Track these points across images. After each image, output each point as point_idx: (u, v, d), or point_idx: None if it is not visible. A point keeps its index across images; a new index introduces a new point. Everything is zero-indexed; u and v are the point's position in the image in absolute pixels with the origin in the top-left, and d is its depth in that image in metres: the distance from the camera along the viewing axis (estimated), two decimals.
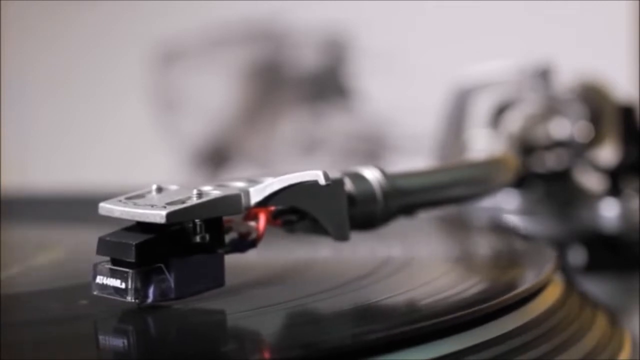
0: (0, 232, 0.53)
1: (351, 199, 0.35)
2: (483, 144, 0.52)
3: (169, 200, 0.32)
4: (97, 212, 0.33)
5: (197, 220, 0.32)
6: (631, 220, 0.52)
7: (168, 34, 0.87)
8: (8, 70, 0.91)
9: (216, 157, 0.86)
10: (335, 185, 0.34)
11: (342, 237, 0.35)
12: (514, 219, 0.53)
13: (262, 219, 0.34)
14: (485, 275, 0.39)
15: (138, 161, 0.87)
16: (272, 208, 0.34)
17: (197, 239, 0.32)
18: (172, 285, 0.32)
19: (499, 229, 0.50)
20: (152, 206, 0.32)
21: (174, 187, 0.34)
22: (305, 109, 0.83)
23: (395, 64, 0.79)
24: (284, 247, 0.40)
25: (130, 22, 0.88)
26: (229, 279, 0.33)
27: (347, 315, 0.33)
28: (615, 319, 0.39)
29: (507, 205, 0.53)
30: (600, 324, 0.37)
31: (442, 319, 0.31)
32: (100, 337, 0.31)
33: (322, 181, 0.33)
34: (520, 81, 0.55)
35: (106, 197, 0.33)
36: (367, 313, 0.33)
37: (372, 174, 0.36)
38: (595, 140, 0.53)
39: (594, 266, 0.51)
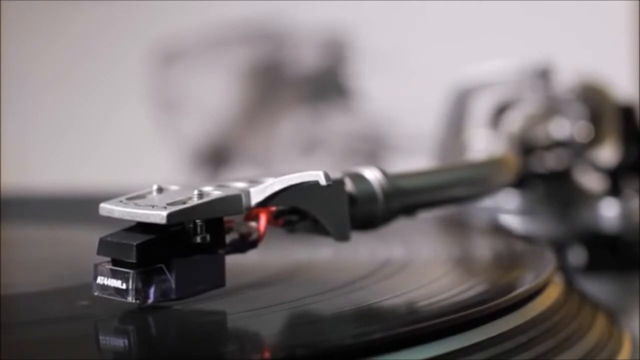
0: (0, 232, 0.53)
1: (352, 199, 0.36)
2: (483, 144, 0.52)
3: (169, 201, 0.32)
4: (97, 212, 0.33)
5: (197, 221, 0.32)
6: (631, 220, 0.52)
7: (168, 34, 0.87)
8: (8, 70, 0.91)
9: (216, 157, 0.86)
10: (335, 185, 0.34)
11: (342, 237, 0.35)
12: (513, 219, 0.53)
13: (263, 219, 0.34)
14: (485, 276, 0.39)
15: (138, 161, 0.87)
16: (273, 208, 0.34)
17: (198, 239, 0.32)
18: (173, 285, 0.32)
19: (499, 229, 0.50)
20: (153, 207, 0.32)
21: (174, 188, 0.34)
22: (305, 109, 0.83)
23: (395, 64, 0.79)
24: (285, 247, 0.40)
25: (130, 22, 0.88)
26: (230, 279, 0.33)
27: (348, 316, 0.33)
28: (615, 319, 0.39)
29: (507, 205, 0.53)
30: (600, 324, 0.37)
31: (441, 319, 0.31)
32: (101, 338, 0.31)
33: (322, 181, 0.33)
34: (520, 81, 0.55)
35: (106, 197, 0.33)
36: (367, 313, 0.33)
37: (372, 174, 0.36)
38: (595, 140, 0.53)
39: (594, 266, 0.51)
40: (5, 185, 0.81)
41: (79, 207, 0.51)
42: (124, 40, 0.89)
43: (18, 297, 0.37)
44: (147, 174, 0.82)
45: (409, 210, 0.38)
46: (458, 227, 0.51)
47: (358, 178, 0.36)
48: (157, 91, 0.88)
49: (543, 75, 0.55)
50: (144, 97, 0.88)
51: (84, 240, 0.38)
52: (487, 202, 0.50)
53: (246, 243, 0.34)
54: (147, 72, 0.88)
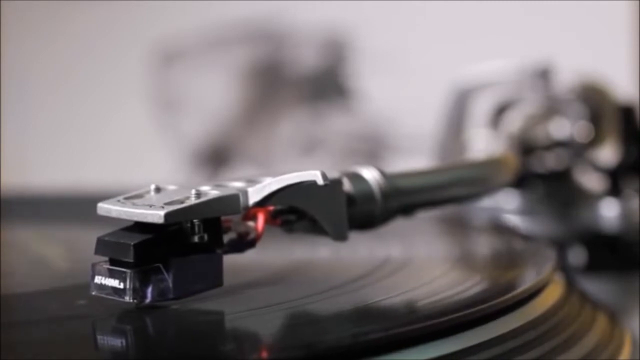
0: (0, 232, 0.53)
1: (350, 199, 0.35)
2: (483, 144, 0.52)
3: (167, 200, 0.32)
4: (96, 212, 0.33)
5: (195, 220, 0.32)
6: (631, 220, 0.51)
7: (168, 34, 0.87)
8: (8, 70, 0.91)
9: (216, 157, 0.86)
10: (333, 185, 0.34)
11: (340, 237, 0.35)
12: (514, 219, 0.53)
13: (261, 218, 0.34)
14: (485, 275, 0.39)
15: (138, 161, 0.87)
16: (271, 208, 0.34)
17: (196, 239, 0.32)
18: (171, 285, 0.32)
19: (499, 229, 0.50)
20: (151, 206, 0.32)
21: (172, 187, 0.34)
22: (305, 109, 0.83)
23: (395, 64, 0.79)
24: (283, 247, 0.40)
25: (130, 22, 0.88)
26: (228, 279, 0.33)
27: (347, 316, 0.32)
28: (615, 319, 0.39)
29: (507, 205, 0.53)
30: (601, 324, 0.37)
31: (441, 319, 0.31)
32: (99, 337, 0.31)
33: (320, 181, 0.33)
34: (520, 81, 0.55)
35: (106, 197, 0.33)
36: (367, 313, 0.33)
37: (370, 174, 0.36)
38: (595, 140, 0.53)
39: (594, 266, 0.51)
40: (5, 185, 0.81)
41: (79, 207, 0.51)
42: (124, 40, 0.89)
43: (17, 297, 0.37)
44: (147, 174, 0.82)
45: (408, 210, 0.38)
46: (458, 227, 0.51)
47: (356, 178, 0.36)
48: (157, 91, 0.88)
49: (543, 75, 0.55)
50: (144, 97, 0.88)
51: (84, 240, 0.38)
52: (487, 202, 0.50)
53: (244, 243, 0.34)
54: (147, 72, 0.88)
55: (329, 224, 0.35)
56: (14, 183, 0.82)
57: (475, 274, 0.39)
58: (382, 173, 0.37)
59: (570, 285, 0.39)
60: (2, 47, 0.91)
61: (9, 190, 0.68)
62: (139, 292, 0.31)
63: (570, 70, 0.55)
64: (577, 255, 0.51)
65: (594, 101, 0.54)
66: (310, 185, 0.33)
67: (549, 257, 0.39)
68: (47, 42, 0.91)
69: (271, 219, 0.34)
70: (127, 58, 0.89)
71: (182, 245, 0.32)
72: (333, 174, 0.34)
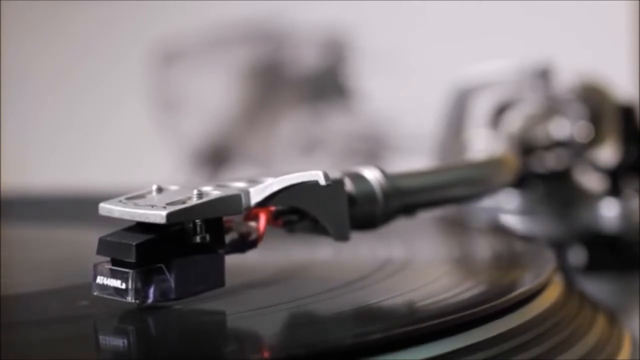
0: (0, 232, 0.53)
1: (351, 199, 0.36)
2: (483, 144, 0.52)
3: (169, 201, 0.32)
4: (97, 212, 0.33)
5: (197, 221, 0.32)
6: (631, 220, 0.52)
7: (168, 34, 0.87)
8: (8, 70, 0.91)
9: (216, 157, 0.86)
10: (335, 185, 0.34)
11: (342, 237, 0.35)
12: (513, 219, 0.53)
13: (263, 219, 0.34)
14: (485, 276, 0.39)
15: (138, 161, 0.87)
16: (273, 208, 0.34)
17: (198, 239, 0.32)
18: (173, 285, 0.32)
19: (499, 229, 0.50)
20: (153, 206, 0.32)
21: (174, 188, 0.34)
22: (305, 109, 0.83)
23: (395, 64, 0.79)
24: (285, 247, 0.40)
25: (130, 22, 0.88)
26: (229, 279, 0.33)
27: (347, 316, 0.33)
28: (615, 319, 0.39)
29: (507, 205, 0.53)
30: (600, 324, 0.37)
31: (441, 320, 0.31)
32: (101, 338, 0.31)
33: (322, 181, 0.33)
34: (520, 81, 0.55)
35: (106, 197, 0.33)
36: (367, 314, 0.33)
37: (372, 174, 0.36)
38: (595, 140, 0.53)
39: (594, 266, 0.51)
40: (5, 185, 0.82)
41: (79, 207, 0.51)
42: (124, 40, 0.89)
43: (18, 297, 0.37)
44: (147, 174, 0.82)
45: (409, 210, 0.38)
46: (458, 227, 0.51)
47: (358, 178, 0.36)
48: (157, 91, 0.88)
49: (543, 75, 0.55)
50: (144, 97, 0.88)
51: (84, 240, 0.38)
52: (487, 202, 0.50)
53: (246, 243, 0.34)
54: (147, 72, 0.88)
55: (331, 224, 0.35)
56: (14, 183, 0.82)
57: (476, 275, 0.39)
58: (384, 173, 0.37)
59: (570, 286, 0.40)
60: (2, 47, 0.91)
61: (9, 190, 0.68)
62: (140, 293, 0.31)
63: (570, 70, 0.55)
64: (577, 255, 0.51)
65: (594, 101, 0.54)
66: (312, 185, 0.33)
67: (549, 258, 0.39)
68: (47, 42, 0.91)
69: (273, 219, 0.34)
70: (127, 58, 0.89)
71: (184, 246, 0.32)
72: (335, 174, 0.34)
